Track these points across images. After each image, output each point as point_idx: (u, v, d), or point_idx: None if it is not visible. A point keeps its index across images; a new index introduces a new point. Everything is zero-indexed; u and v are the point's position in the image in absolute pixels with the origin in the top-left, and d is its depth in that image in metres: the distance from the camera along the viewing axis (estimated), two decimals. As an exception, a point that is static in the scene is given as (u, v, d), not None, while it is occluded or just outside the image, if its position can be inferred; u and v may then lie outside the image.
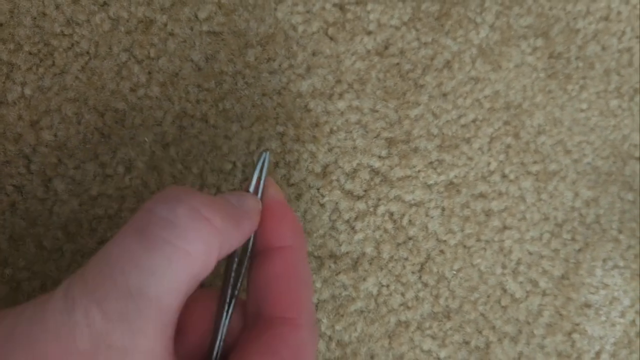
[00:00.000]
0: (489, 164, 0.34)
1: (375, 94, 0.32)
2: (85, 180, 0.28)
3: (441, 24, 0.33)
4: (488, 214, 0.33)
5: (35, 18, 0.28)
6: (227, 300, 0.21)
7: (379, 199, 0.32)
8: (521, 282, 0.33)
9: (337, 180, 0.31)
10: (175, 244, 0.17)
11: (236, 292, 0.22)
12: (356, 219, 0.31)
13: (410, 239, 0.32)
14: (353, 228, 0.31)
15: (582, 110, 0.35)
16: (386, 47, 0.33)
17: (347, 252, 0.31)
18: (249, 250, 0.22)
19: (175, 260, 0.17)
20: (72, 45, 0.29)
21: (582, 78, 0.35)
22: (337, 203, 0.31)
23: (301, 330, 0.20)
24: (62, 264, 0.28)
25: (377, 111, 0.32)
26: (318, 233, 0.31)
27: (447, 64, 0.33)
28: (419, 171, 0.32)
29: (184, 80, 0.30)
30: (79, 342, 0.16)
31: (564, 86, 0.35)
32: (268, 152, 0.23)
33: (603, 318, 0.34)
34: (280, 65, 0.31)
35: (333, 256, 0.31)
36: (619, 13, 0.36)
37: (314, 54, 0.32)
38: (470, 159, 0.33)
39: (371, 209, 0.32)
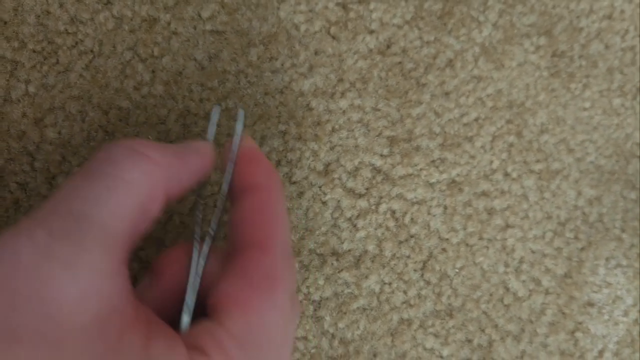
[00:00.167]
0: (491, 162, 0.34)
1: (377, 93, 0.32)
2: (89, 177, 0.29)
3: (444, 23, 0.33)
4: (490, 212, 0.33)
5: (39, 16, 0.29)
6: (197, 238, 0.22)
7: (381, 197, 0.32)
8: (524, 281, 0.33)
9: (339, 178, 0.31)
10: (113, 174, 0.19)
11: (211, 233, 0.23)
12: (358, 216, 0.32)
13: (412, 237, 0.32)
14: (355, 226, 0.31)
15: (585, 109, 0.35)
16: (388, 46, 0.33)
17: (349, 250, 0.31)
18: (224, 193, 0.24)
19: (114, 188, 0.19)
20: (76, 43, 0.29)
21: (585, 77, 0.35)
22: (339, 201, 0.31)
23: (271, 255, 0.21)
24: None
25: (379, 110, 0.32)
26: (320, 231, 0.31)
27: (450, 63, 0.33)
28: (421, 169, 0.32)
29: (188, 79, 0.30)
30: (23, 257, 0.17)
31: (567, 85, 0.35)
32: (243, 110, 0.26)
33: (606, 317, 0.34)
34: (282, 64, 0.31)
35: (335, 254, 0.31)
36: (622, 11, 0.36)
37: (316, 53, 0.32)
38: (473, 157, 0.33)
39: (373, 207, 0.32)
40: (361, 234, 0.31)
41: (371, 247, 0.32)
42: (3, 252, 0.17)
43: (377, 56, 0.32)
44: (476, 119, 0.34)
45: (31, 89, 0.28)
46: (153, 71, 0.30)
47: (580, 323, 0.34)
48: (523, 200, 0.34)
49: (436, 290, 0.32)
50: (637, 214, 0.35)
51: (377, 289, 0.31)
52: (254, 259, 0.21)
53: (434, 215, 0.33)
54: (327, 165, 0.31)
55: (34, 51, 0.28)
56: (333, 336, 0.31)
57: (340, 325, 0.31)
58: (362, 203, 0.32)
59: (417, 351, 0.32)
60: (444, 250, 0.32)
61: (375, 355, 0.31)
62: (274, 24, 0.31)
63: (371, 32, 0.32)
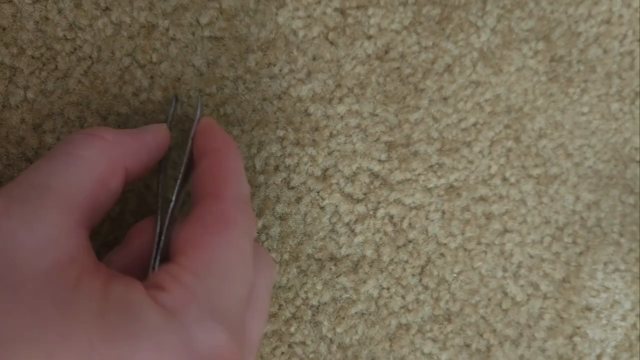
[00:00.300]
0: (489, 167, 0.34)
1: (375, 98, 0.32)
2: (88, 183, 0.29)
3: (442, 28, 0.33)
4: (489, 217, 0.33)
5: (37, 22, 0.29)
6: (159, 205, 0.24)
7: (379, 202, 0.32)
8: (522, 285, 0.33)
9: (337, 183, 0.31)
10: (70, 152, 0.21)
11: (173, 199, 0.24)
12: (356, 221, 0.32)
13: (410, 241, 0.32)
14: (353, 231, 0.32)
15: (583, 114, 0.35)
16: (386, 52, 0.33)
17: (348, 255, 0.31)
18: (184, 162, 0.25)
19: (72, 163, 0.21)
20: (75, 49, 0.29)
21: (584, 81, 0.35)
22: (337, 206, 0.31)
23: (225, 203, 0.22)
24: (64, 267, 0.28)
25: (377, 115, 0.32)
26: (318, 236, 0.31)
27: (448, 68, 0.33)
28: (419, 174, 0.33)
29: (186, 85, 0.30)
30: None
31: (565, 89, 0.35)
32: (201, 96, 0.29)
33: (604, 321, 0.34)
34: (280, 70, 0.31)
35: (333, 259, 0.31)
36: (620, 16, 0.36)
37: (314, 59, 0.32)
38: (471, 162, 0.33)
39: (371, 212, 0.32)
40: (359, 239, 0.32)
41: (369, 252, 0.32)
42: None
43: (375, 61, 0.32)
44: (474, 124, 0.34)
45: (30, 95, 0.28)
46: (152, 77, 0.30)
47: (578, 327, 0.34)
48: (521, 205, 0.34)
49: (434, 295, 0.32)
50: (636, 219, 0.35)
51: (375, 293, 0.32)
52: (207, 206, 0.22)
53: (432, 220, 0.33)
54: (325, 170, 0.31)
55: (33, 57, 0.29)
56: (331, 341, 0.31)
57: (339, 330, 0.31)
58: (360, 208, 0.32)
59: (416, 356, 0.32)
60: (442, 255, 0.33)
61: (373, 360, 0.31)
62: (272, 30, 0.31)
63: (369, 37, 0.32)
